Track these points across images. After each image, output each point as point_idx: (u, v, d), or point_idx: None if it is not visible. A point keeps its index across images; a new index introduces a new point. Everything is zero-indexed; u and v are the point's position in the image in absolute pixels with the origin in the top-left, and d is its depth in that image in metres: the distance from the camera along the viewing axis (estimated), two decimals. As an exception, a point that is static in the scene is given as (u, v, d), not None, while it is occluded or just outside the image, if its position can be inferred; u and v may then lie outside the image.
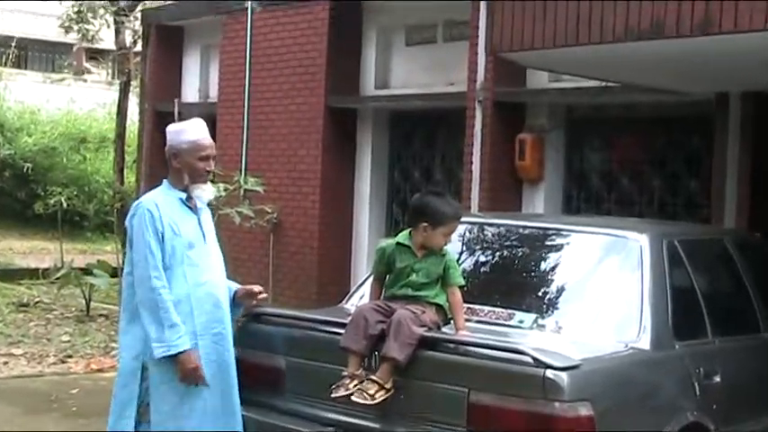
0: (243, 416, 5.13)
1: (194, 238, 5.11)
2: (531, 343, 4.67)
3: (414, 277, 4.99)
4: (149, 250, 4.96)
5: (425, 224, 5.01)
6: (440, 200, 5.12)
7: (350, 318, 4.87)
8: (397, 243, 5.09)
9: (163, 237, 5.00)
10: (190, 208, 5.17)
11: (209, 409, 5.03)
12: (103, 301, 13.79)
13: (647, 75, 7.98)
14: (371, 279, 5.30)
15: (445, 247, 5.07)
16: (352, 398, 4.63)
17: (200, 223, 5.18)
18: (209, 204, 5.41)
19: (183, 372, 4.92)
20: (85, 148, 24.02)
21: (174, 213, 5.08)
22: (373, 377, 4.65)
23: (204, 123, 5.30)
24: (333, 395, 4.71)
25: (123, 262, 5.76)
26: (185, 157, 5.12)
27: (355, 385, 4.67)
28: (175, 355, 4.89)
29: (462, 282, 5.01)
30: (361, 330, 4.77)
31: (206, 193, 5.21)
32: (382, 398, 4.62)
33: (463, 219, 6.39)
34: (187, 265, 5.03)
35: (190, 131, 5.20)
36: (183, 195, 5.15)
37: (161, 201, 5.10)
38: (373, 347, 4.75)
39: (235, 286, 5.35)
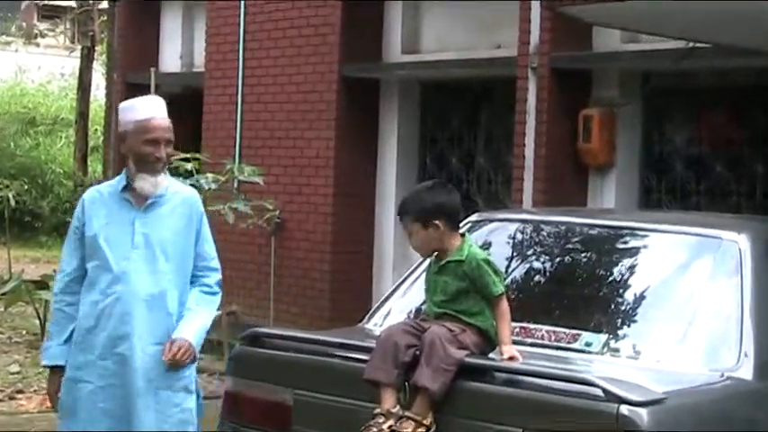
0: None
1: (118, 240, 5.37)
2: (602, 371, 4.68)
3: (434, 295, 5.02)
4: (65, 250, 5.58)
5: None
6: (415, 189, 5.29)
7: (376, 342, 4.87)
8: None
9: (83, 235, 5.43)
10: (129, 202, 5.42)
11: None
12: (62, 321, 13.84)
13: (745, 33, 7.96)
14: None
15: (466, 250, 4.95)
16: None
17: (133, 222, 5.39)
18: (202, 197, 5.56)
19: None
20: (37, 131, 24.15)
21: (105, 209, 5.42)
22: (409, 413, 4.63)
23: (160, 101, 5.52)
24: (364, 440, 4.71)
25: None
26: (130, 141, 5.40)
27: (390, 426, 4.64)
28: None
29: (500, 290, 4.91)
30: (390, 358, 4.74)
31: (149, 185, 5.38)
32: None
33: (515, 216, 6.47)
34: (102, 270, 5.36)
35: (139, 110, 5.45)
36: (121, 187, 5.46)
37: (96, 195, 5.50)
38: (406, 377, 4.74)
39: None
